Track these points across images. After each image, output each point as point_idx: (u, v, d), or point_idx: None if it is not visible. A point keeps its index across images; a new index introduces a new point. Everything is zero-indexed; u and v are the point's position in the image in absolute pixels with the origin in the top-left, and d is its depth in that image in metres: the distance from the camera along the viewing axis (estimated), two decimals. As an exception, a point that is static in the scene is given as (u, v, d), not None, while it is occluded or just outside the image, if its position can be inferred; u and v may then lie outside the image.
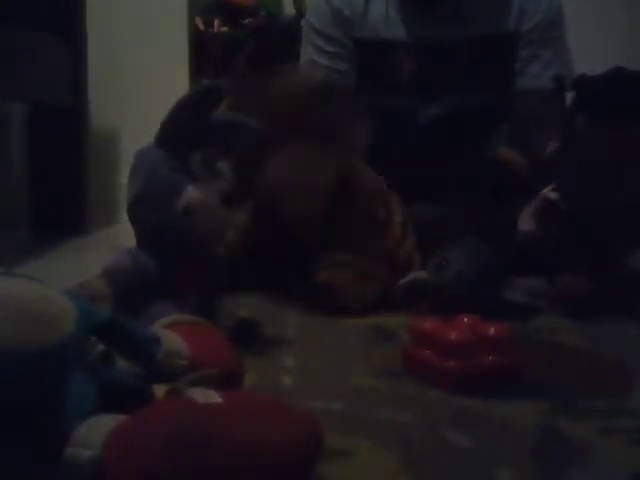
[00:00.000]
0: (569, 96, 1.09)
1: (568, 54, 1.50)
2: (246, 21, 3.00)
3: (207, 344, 0.66)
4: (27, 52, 1.60)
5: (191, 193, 0.83)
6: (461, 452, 0.59)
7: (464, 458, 0.58)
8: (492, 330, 0.77)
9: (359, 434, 0.62)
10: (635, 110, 1.00)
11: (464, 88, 1.43)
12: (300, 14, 3.05)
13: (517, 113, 1.46)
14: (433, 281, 1.05)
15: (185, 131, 0.87)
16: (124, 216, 1.98)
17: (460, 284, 1.03)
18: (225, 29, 2.99)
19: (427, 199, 1.26)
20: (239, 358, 0.67)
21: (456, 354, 0.75)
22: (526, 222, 1.12)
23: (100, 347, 0.59)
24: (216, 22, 2.99)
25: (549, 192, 1.09)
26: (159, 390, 0.58)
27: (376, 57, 1.46)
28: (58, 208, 1.79)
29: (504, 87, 1.46)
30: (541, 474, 0.56)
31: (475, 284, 1.04)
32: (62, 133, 1.84)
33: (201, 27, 2.96)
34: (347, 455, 0.58)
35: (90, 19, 1.96)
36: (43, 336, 0.52)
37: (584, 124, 1.03)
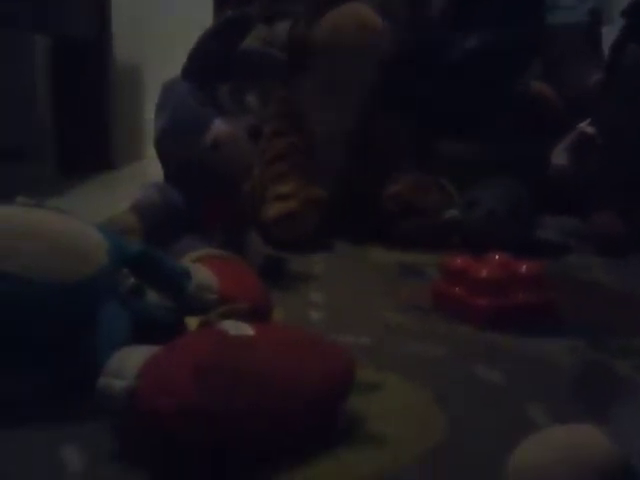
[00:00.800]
0: (614, 27, 1.05)
1: None
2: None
3: (236, 278, 0.66)
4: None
5: (219, 127, 0.82)
6: (492, 387, 0.59)
7: (495, 393, 0.58)
8: (524, 268, 0.76)
9: (388, 368, 0.62)
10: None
11: (495, 22, 1.38)
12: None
13: (551, 47, 1.42)
14: (464, 219, 1.04)
15: (212, 63, 0.85)
16: (150, 151, 1.98)
17: (491, 222, 1.02)
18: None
19: (459, 136, 1.23)
20: (267, 292, 0.67)
21: (488, 291, 0.74)
22: (560, 157, 1.09)
23: (131, 280, 0.59)
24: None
25: (586, 126, 1.06)
26: (191, 322, 0.58)
27: None
28: (84, 143, 1.79)
29: (537, 20, 1.41)
30: (575, 409, 0.55)
31: (506, 222, 1.02)
32: (86, 67, 1.82)
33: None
34: (377, 389, 0.58)
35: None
36: (76, 268, 0.52)
37: (634, 55, 0.99)
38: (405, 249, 1.03)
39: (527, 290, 0.74)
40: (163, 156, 0.86)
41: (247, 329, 0.50)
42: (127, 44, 1.96)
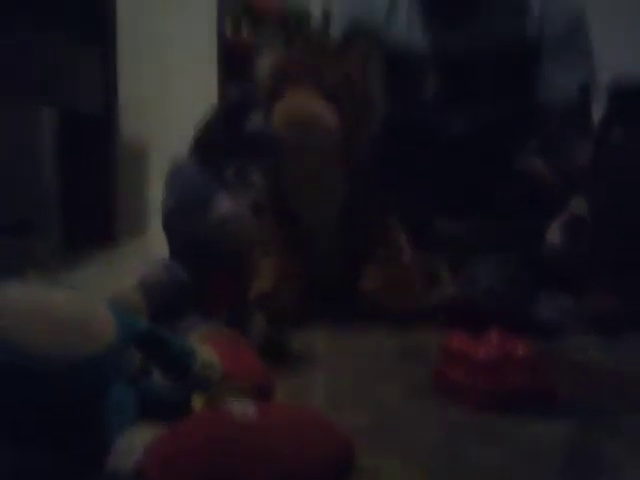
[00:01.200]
0: (599, 105, 1.09)
1: (592, 61, 1.48)
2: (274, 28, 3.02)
3: (239, 357, 0.67)
4: (59, 59, 1.63)
5: (224, 204, 0.85)
6: (490, 469, 0.60)
7: (493, 476, 0.59)
8: (521, 348, 0.77)
9: (387, 451, 0.63)
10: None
11: (488, 100, 1.43)
12: (327, 23, 3.07)
13: (544, 125, 1.46)
14: (462, 297, 1.06)
15: (217, 144, 0.88)
16: (153, 227, 2.02)
17: (490, 300, 1.04)
18: (253, 36, 3.01)
19: (456, 212, 1.26)
20: (269, 372, 0.68)
21: (485, 373, 0.75)
22: (553, 235, 1.12)
23: (138, 357, 0.61)
24: (244, 29, 3.01)
25: (577, 205, 1.09)
26: (196, 400, 0.59)
27: (402, 69, 1.47)
28: (88, 218, 1.82)
29: (529, 98, 1.46)
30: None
31: (505, 299, 1.04)
32: (92, 142, 1.86)
33: (229, 34, 2.99)
34: (375, 472, 0.58)
35: (120, 30, 1.99)
36: (85, 345, 0.53)
37: (620, 136, 1.03)
38: (404, 328, 1.04)
39: (525, 371, 0.76)
40: (170, 233, 0.88)
41: (250, 408, 0.52)
42: (133, 120, 2.02)
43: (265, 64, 1.08)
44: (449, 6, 1.45)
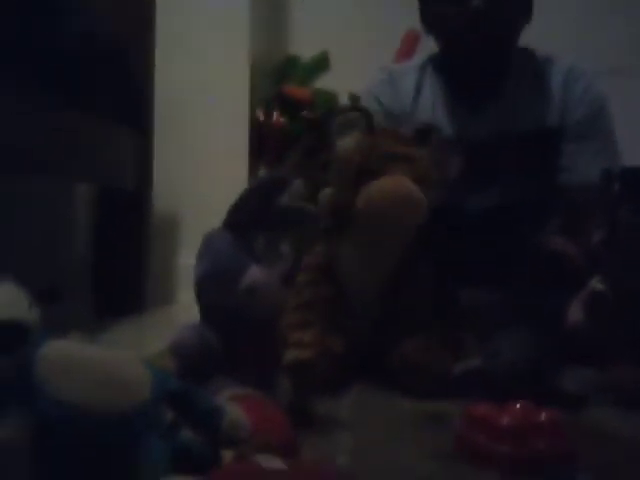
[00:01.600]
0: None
1: (615, 145, 1.51)
2: (303, 113, 3.13)
3: (266, 417, 0.69)
4: (97, 136, 1.70)
5: (254, 274, 0.88)
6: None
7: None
8: (544, 416, 0.78)
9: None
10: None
11: (511, 182, 1.46)
12: (354, 107, 3.17)
13: (567, 207, 1.49)
14: (486, 369, 1.07)
15: (251, 216, 0.93)
16: (182, 296, 2.05)
17: (513, 373, 1.05)
18: (283, 120, 3.11)
19: (478, 286, 1.29)
20: (295, 433, 0.70)
21: (509, 439, 0.76)
22: (575, 313, 1.13)
23: (170, 414, 0.63)
24: (275, 114, 3.12)
25: (597, 283, 1.10)
26: (225, 455, 0.61)
27: None
28: (119, 287, 1.87)
29: (551, 181, 1.49)
30: None
31: (527, 373, 1.05)
32: (126, 215, 1.93)
33: (261, 118, 3.09)
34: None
35: (157, 107, 2.08)
36: (123, 399, 0.56)
37: (629, 215, 1.05)
38: (429, 397, 1.05)
39: (548, 439, 0.76)
40: (201, 299, 0.91)
41: (278, 463, 0.54)
42: (166, 195, 2.09)
43: (348, 144, 1.15)
44: (473, 92, 1.51)
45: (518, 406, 0.80)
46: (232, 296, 0.88)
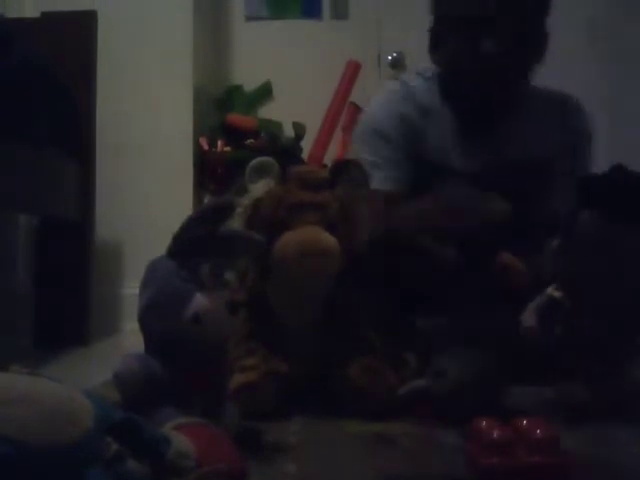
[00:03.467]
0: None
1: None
2: (248, 142, 3.14)
3: (213, 445, 0.69)
4: (35, 167, 1.68)
5: (200, 301, 0.87)
6: None
7: None
8: (537, 431, 0.80)
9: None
10: (635, 209, 1.04)
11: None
12: (298, 137, 3.20)
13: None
14: (432, 389, 1.08)
15: (195, 244, 0.92)
16: (126, 326, 2.02)
17: (459, 392, 1.06)
18: (228, 149, 3.11)
19: (426, 306, 1.30)
20: (243, 460, 0.70)
21: (498, 451, 0.78)
22: (530, 318, 1.14)
23: (114, 446, 0.62)
24: (219, 142, 3.12)
25: (553, 290, 1.12)
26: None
27: (428, 179, 1.42)
28: (60, 318, 1.83)
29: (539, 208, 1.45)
30: None
31: (474, 392, 1.06)
32: (68, 245, 1.90)
33: (205, 147, 3.09)
34: None
35: (99, 138, 2.06)
36: (66, 432, 0.55)
37: (586, 222, 1.07)
38: (377, 419, 1.06)
39: (539, 453, 0.78)
40: (145, 329, 0.90)
41: (225, 491, 0.53)
42: (109, 224, 2.06)
43: (258, 191, 1.15)
44: (478, 125, 1.46)
45: (524, 422, 0.81)
46: (177, 325, 0.87)
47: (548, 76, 1.48)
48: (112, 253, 2.16)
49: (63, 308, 1.85)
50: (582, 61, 3.02)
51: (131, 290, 2.02)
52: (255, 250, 1.00)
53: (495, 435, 0.79)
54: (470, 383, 1.07)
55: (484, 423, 0.82)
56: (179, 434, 0.67)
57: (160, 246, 0.94)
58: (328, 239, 1.09)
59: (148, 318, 0.90)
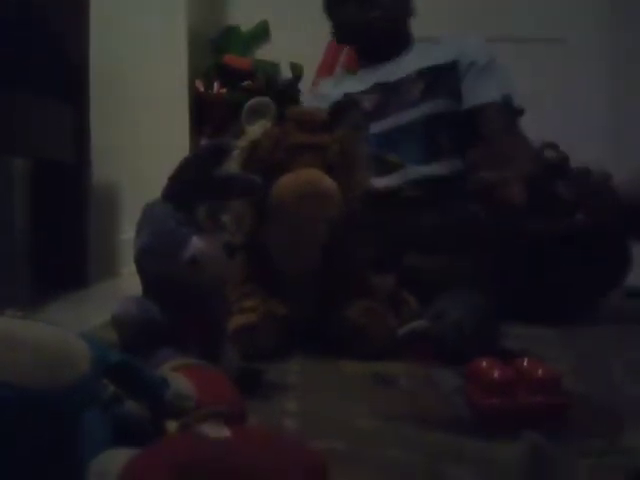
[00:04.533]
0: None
1: (510, 81, 1.72)
2: (245, 83, 3.09)
3: (211, 385, 0.68)
4: (31, 110, 1.65)
5: (196, 244, 0.86)
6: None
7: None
8: (539, 371, 0.79)
9: (363, 473, 0.64)
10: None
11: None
12: (296, 78, 3.15)
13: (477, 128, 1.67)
14: (432, 330, 1.08)
15: (191, 186, 0.91)
16: (124, 270, 2.02)
17: (458, 332, 1.06)
18: (224, 91, 3.07)
19: (423, 250, 1.30)
20: (242, 400, 0.69)
21: (498, 392, 0.78)
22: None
23: (111, 388, 0.62)
24: (216, 84, 3.07)
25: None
26: (170, 426, 0.60)
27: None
28: (59, 262, 1.82)
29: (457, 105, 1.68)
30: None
31: (473, 332, 1.06)
32: (64, 189, 1.88)
33: (201, 89, 3.05)
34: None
35: (93, 81, 2.02)
36: (61, 375, 0.54)
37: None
38: (377, 359, 1.06)
39: (540, 393, 0.78)
40: (142, 272, 0.89)
41: (224, 431, 0.53)
42: (106, 167, 2.04)
43: (255, 134, 1.13)
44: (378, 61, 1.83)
45: (525, 362, 0.81)
46: (174, 268, 0.86)
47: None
48: (109, 197, 2.14)
49: (61, 252, 1.83)
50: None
51: (129, 235, 2.01)
52: (252, 192, 0.99)
53: (495, 375, 0.79)
54: (470, 323, 1.08)
55: (484, 363, 0.82)
56: (178, 375, 0.67)
57: (157, 189, 0.93)
58: (327, 181, 1.08)
59: (145, 261, 0.89)
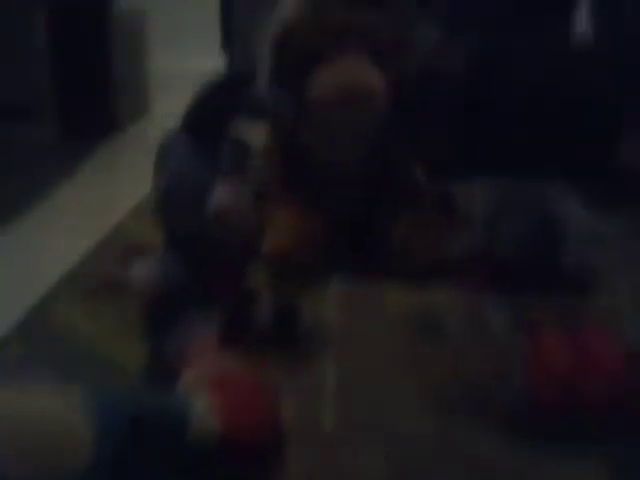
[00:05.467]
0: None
1: None
2: None
3: (245, 412, 0.60)
4: None
5: (222, 196, 0.75)
6: None
7: None
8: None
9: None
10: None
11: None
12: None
13: None
14: (492, 251, 0.98)
15: (216, 115, 0.77)
16: (155, 106, 1.89)
17: (523, 252, 0.96)
18: None
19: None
20: (279, 424, 0.62)
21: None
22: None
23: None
24: None
25: None
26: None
27: None
28: (86, 101, 1.69)
29: None
30: None
31: (536, 253, 0.96)
32: (85, 17, 1.69)
33: None
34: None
35: None
36: (53, 471, 0.48)
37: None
38: (425, 285, 0.97)
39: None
40: (164, 222, 0.79)
41: None
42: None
43: (289, 8, 0.95)
44: None
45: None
46: (196, 222, 0.76)
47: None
48: (134, 24, 1.92)
49: (87, 86, 1.69)
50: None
51: (158, 63, 1.85)
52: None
53: (559, 369, 0.69)
54: (528, 243, 0.97)
55: (549, 342, 0.72)
56: (200, 400, 0.59)
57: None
58: (372, 78, 0.94)
59: (164, 212, 0.79)
